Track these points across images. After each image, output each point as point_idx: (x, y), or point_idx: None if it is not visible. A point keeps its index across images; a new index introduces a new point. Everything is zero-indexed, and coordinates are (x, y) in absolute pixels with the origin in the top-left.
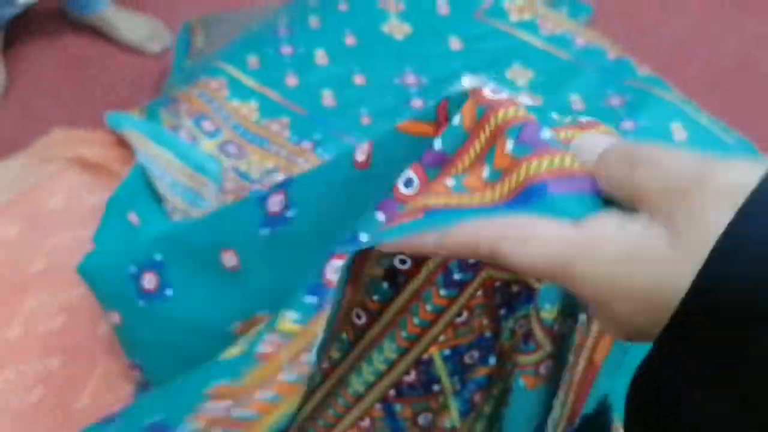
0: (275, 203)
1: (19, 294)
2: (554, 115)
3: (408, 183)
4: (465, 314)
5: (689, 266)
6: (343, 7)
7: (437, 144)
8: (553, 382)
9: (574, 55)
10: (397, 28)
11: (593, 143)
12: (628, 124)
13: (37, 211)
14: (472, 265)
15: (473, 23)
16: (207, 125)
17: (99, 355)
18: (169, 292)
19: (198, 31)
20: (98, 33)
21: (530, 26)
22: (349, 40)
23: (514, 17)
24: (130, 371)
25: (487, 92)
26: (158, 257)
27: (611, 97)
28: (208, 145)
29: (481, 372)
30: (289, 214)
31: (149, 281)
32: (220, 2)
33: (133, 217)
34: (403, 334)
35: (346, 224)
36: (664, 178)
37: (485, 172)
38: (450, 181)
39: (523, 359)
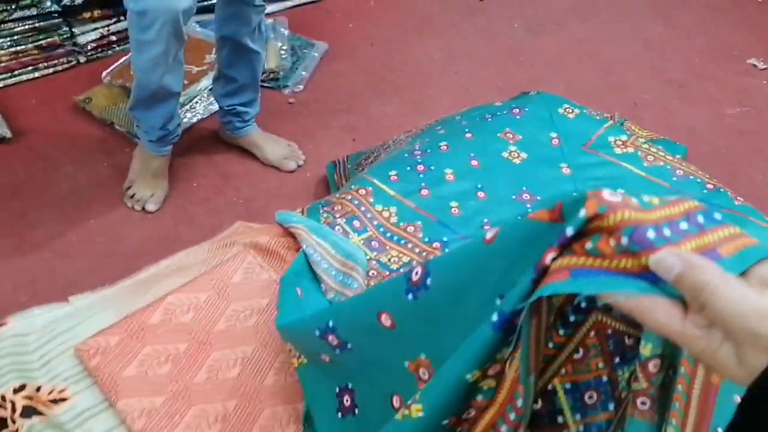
0: (417, 274)
1: (205, 348)
2: (645, 198)
3: (553, 260)
4: (581, 351)
5: (749, 380)
6: (468, 136)
7: (569, 231)
8: (655, 424)
9: (673, 185)
10: (515, 155)
11: (669, 264)
12: None
13: (222, 283)
14: (584, 309)
15: (581, 153)
16: (356, 224)
17: (265, 400)
18: (350, 345)
19: (340, 174)
20: (245, 151)
21: (633, 158)
22: (474, 163)
23: (618, 150)
24: (292, 413)
25: (607, 194)
26: (331, 323)
27: None
28: (356, 240)
29: (601, 417)
30: (428, 282)
31: (332, 340)
32: (345, 130)
33: (299, 291)
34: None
35: (471, 287)
36: (725, 326)
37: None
38: (588, 244)
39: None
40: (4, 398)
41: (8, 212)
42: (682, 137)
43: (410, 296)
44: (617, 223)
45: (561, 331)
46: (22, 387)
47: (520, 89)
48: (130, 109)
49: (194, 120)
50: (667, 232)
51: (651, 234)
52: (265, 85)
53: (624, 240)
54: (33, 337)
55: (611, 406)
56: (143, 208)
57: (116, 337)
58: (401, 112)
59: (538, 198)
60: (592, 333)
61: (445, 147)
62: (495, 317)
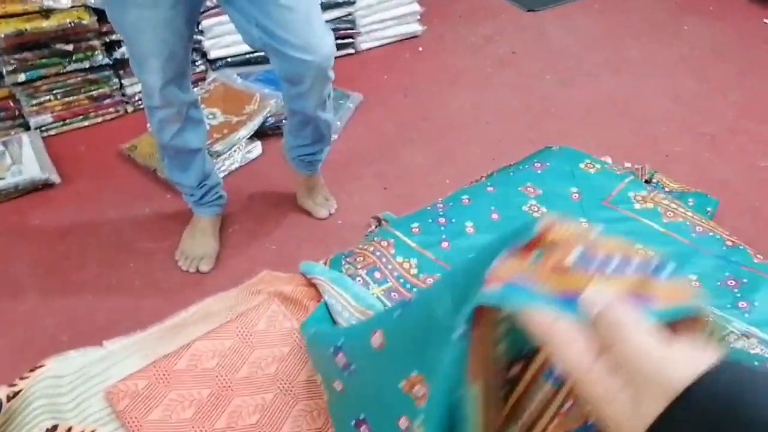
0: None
1: (227, 393)
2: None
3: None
4: (569, 402)
5: (642, 428)
6: (490, 189)
7: (520, 239)
8: None
9: (693, 241)
10: (535, 209)
11: (593, 300)
12: (742, 304)
13: (247, 331)
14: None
15: (601, 208)
16: (377, 275)
17: None
18: (353, 366)
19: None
20: (280, 198)
21: (653, 214)
22: (494, 216)
23: (638, 206)
24: None
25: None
26: (341, 341)
27: (727, 279)
28: (376, 291)
29: None
30: (411, 300)
31: (341, 359)
32: (377, 178)
33: None
34: (519, 422)
35: (439, 298)
36: (627, 368)
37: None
38: (535, 252)
39: None
40: None
41: (54, 254)
42: (714, 190)
43: (396, 313)
44: (569, 239)
45: (548, 384)
46: (55, 428)
47: (551, 141)
48: (168, 176)
49: (233, 167)
50: (614, 263)
51: (597, 258)
52: None
53: (571, 258)
54: (67, 379)
55: None
56: (197, 269)
57: (144, 381)
58: (432, 161)
59: None
60: None
61: (467, 200)
62: (461, 330)
